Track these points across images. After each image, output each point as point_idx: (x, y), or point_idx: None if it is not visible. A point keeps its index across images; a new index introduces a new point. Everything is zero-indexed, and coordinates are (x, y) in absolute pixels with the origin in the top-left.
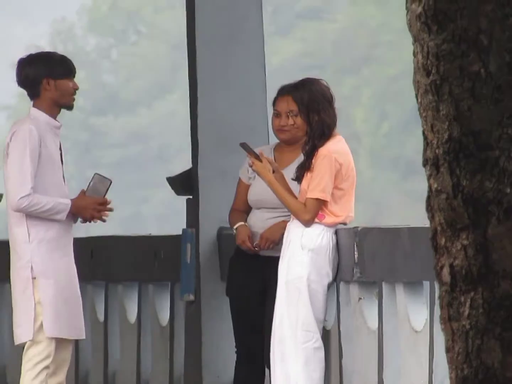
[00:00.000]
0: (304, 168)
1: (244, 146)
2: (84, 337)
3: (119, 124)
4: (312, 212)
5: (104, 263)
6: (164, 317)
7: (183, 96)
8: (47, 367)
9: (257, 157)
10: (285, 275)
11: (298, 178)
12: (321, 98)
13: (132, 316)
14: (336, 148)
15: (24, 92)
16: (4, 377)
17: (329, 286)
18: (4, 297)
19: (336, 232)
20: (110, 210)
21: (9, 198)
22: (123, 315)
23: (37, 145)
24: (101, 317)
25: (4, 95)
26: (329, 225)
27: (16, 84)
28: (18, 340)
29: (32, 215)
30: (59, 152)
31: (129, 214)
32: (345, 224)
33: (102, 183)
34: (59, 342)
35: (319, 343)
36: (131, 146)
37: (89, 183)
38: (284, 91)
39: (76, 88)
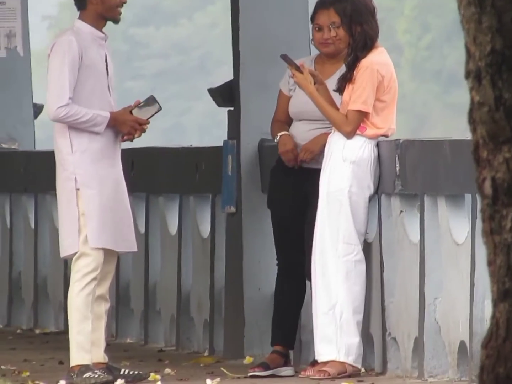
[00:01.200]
0: (346, 80)
1: (284, 57)
2: (135, 249)
3: (160, 34)
4: (354, 123)
5: (144, 175)
6: (205, 229)
7: (224, 7)
8: (95, 278)
9: (298, 69)
10: (326, 187)
11: (340, 89)
12: (364, 9)
13: (173, 228)
14: (378, 60)
15: (64, 1)
16: (45, 288)
17: (370, 198)
18: (45, 208)
19: (377, 145)
20: (143, 131)
21: (47, 108)
22: (164, 227)
23: (77, 56)
24: (142, 229)
25: (45, 5)
26: (370, 137)
27: None
28: (64, 252)
29: (71, 126)
30: (105, 63)
31: (170, 125)
32: (386, 136)
33: (152, 106)
34: (106, 253)
35: (360, 255)
36: (172, 57)
37: (141, 102)
38: (326, 3)
39: (123, 1)
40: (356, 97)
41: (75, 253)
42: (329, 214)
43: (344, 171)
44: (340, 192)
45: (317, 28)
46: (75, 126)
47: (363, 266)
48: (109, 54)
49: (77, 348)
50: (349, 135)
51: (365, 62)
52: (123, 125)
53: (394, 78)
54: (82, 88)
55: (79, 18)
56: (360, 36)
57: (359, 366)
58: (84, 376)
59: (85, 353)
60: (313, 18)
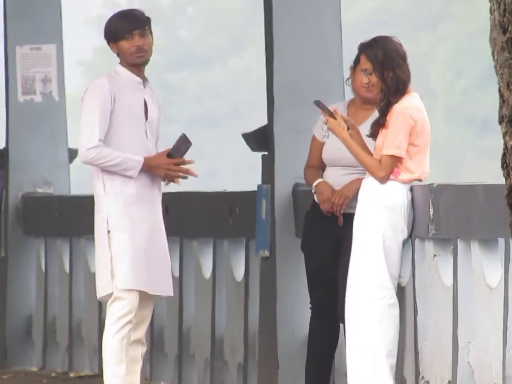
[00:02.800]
0: (379, 125)
1: (318, 103)
2: (171, 294)
3: (194, 80)
4: (387, 169)
5: (179, 219)
6: (239, 273)
7: (257, 52)
8: (129, 322)
9: (331, 115)
10: (360, 232)
11: (373, 134)
12: (395, 55)
13: (207, 272)
14: (411, 104)
15: (99, 46)
16: (80, 331)
17: (404, 242)
18: (80, 252)
19: (411, 189)
20: (187, 171)
21: (79, 150)
22: (198, 271)
23: (109, 99)
24: (176, 273)
25: (80, 50)
26: (404, 182)
27: (91, 40)
28: (98, 294)
29: (102, 169)
30: (143, 107)
31: (204, 170)
32: (420, 180)
33: (185, 144)
34: (141, 297)
35: (394, 299)
36: (205, 102)
37: (175, 143)
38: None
39: (137, 45)
40: (390, 142)
41: (109, 295)
42: (363, 259)
43: (378, 215)
44: (374, 236)
45: (362, 71)
46: (106, 169)
47: (396, 310)
48: (153, 99)
49: None
50: (383, 180)
51: (397, 107)
52: (156, 169)
53: (427, 122)
54: (115, 131)
55: (119, 63)
56: (393, 81)
57: None
58: None
59: None
60: (356, 61)
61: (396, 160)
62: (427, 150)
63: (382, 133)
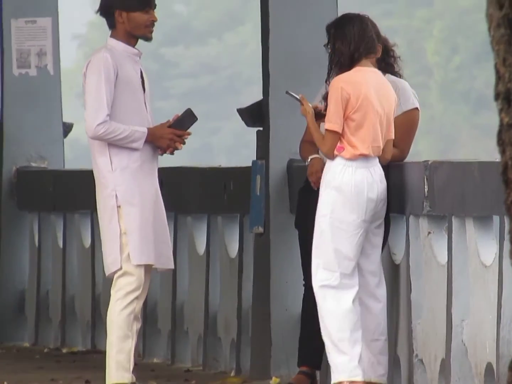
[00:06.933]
0: (325, 99)
1: (288, 93)
2: (172, 266)
3: (189, 54)
4: (327, 143)
5: (173, 194)
6: (233, 249)
7: (253, 28)
8: (137, 298)
9: (300, 102)
10: (316, 214)
11: (325, 109)
12: (341, 28)
13: (201, 248)
14: (345, 78)
15: (94, 21)
16: (73, 307)
17: (364, 223)
18: (74, 227)
19: (388, 167)
20: (183, 142)
21: (86, 126)
22: (192, 246)
23: (113, 73)
24: None
25: (74, 24)
26: (349, 159)
27: (85, 13)
28: (108, 271)
29: (110, 143)
30: (140, 79)
31: (198, 145)
32: (367, 156)
33: (189, 118)
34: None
35: (337, 282)
36: (201, 77)
37: (179, 115)
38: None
39: (153, 20)
40: (326, 116)
41: (118, 271)
42: (314, 241)
43: (327, 196)
44: (322, 218)
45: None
46: (114, 143)
47: (345, 294)
48: (144, 71)
49: (117, 366)
50: (327, 155)
51: (332, 81)
52: (161, 139)
53: (364, 96)
54: (119, 104)
55: (111, 36)
56: (335, 54)
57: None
58: None
59: (125, 372)
60: None
61: (334, 135)
62: (369, 124)
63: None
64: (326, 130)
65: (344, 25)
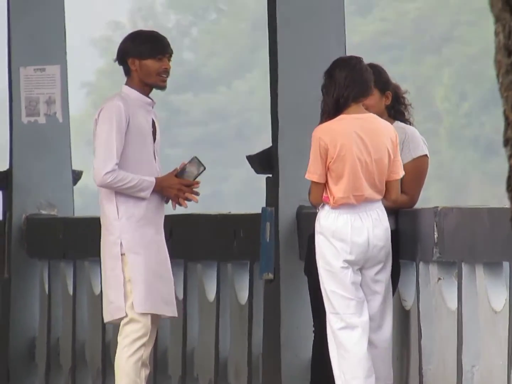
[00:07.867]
0: None
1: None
2: (176, 315)
3: (198, 101)
4: (312, 193)
5: (183, 241)
6: (243, 296)
7: (262, 75)
8: (144, 345)
9: None
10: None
11: None
12: (329, 79)
13: (211, 295)
14: (324, 128)
15: (103, 68)
16: (83, 354)
17: (353, 265)
18: (83, 275)
19: (396, 214)
20: (197, 193)
21: (94, 173)
22: (202, 293)
23: (124, 121)
24: (180, 295)
25: (84, 72)
26: (332, 207)
27: (94, 61)
28: (110, 317)
29: (117, 191)
30: (151, 129)
31: (208, 192)
32: (352, 204)
33: (196, 167)
34: (152, 319)
35: (344, 323)
36: (210, 124)
37: (185, 164)
38: None
39: (165, 68)
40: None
41: (120, 319)
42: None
43: (316, 243)
44: (318, 264)
45: None
46: (121, 192)
47: (348, 333)
48: (157, 120)
49: None
50: (313, 205)
51: (313, 131)
52: (168, 189)
53: (343, 146)
54: (129, 153)
55: (126, 83)
56: (321, 105)
57: None
58: None
59: None
60: None
61: (316, 184)
62: (350, 173)
63: None
64: (311, 181)
65: (333, 70)
